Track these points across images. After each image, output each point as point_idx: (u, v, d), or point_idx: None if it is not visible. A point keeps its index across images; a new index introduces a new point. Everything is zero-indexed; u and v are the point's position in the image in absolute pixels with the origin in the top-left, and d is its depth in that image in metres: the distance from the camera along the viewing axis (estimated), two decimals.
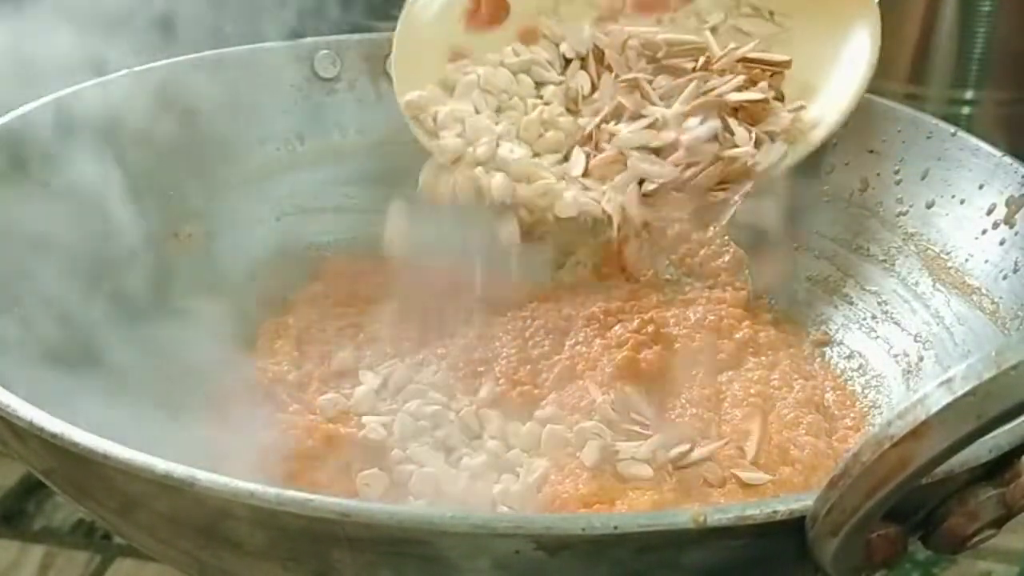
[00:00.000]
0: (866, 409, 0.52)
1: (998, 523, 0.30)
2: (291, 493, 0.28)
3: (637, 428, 0.47)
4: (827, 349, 0.56)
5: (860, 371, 0.54)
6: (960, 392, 0.25)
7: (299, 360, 0.53)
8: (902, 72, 0.66)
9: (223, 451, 0.47)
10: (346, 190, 0.64)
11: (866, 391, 0.53)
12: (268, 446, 0.46)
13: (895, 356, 0.53)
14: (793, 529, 0.29)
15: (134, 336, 0.52)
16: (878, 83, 0.65)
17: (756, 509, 0.29)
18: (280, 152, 0.63)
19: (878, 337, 0.54)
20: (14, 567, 0.52)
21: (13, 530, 0.54)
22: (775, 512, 0.29)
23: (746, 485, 0.45)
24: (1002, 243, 0.49)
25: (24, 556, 0.52)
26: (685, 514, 0.29)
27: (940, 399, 0.25)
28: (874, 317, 0.55)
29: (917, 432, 0.26)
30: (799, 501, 0.29)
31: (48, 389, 0.43)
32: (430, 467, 0.45)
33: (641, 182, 0.55)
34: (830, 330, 0.57)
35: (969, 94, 0.66)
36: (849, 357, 0.55)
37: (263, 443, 0.47)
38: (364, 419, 0.49)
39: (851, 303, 0.56)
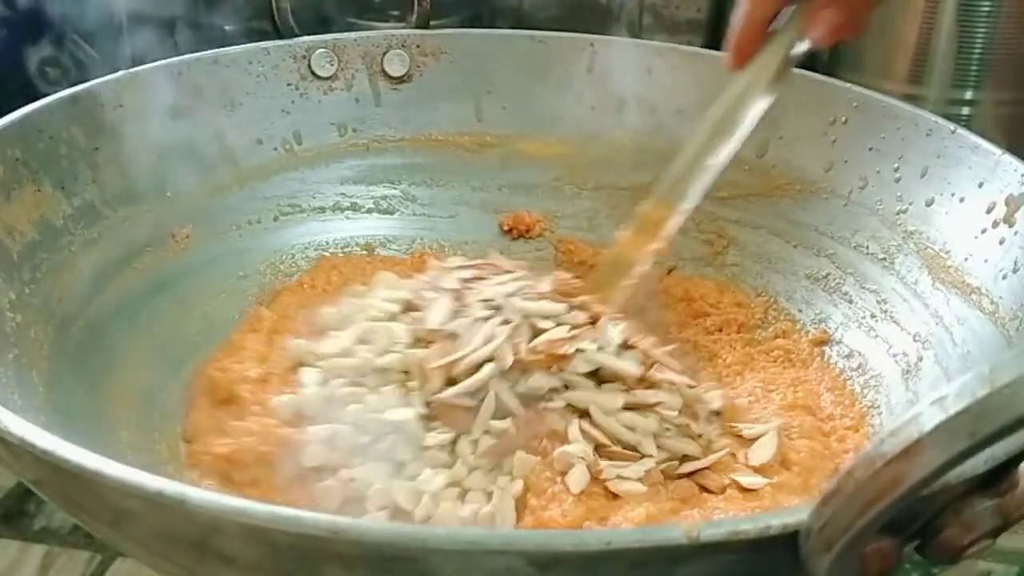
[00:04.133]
0: (865, 409, 0.51)
1: (994, 533, 0.30)
2: (281, 510, 0.28)
3: (619, 449, 0.45)
4: (826, 348, 0.56)
5: (859, 370, 0.53)
6: (953, 411, 0.25)
7: (266, 354, 0.51)
8: (902, 72, 0.66)
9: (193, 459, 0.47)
10: (344, 190, 0.64)
11: (865, 391, 0.52)
12: (229, 455, 0.45)
13: (894, 356, 0.52)
14: (787, 543, 0.29)
15: (132, 336, 0.52)
16: (878, 83, 0.65)
17: (750, 524, 0.29)
18: (278, 152, 0.63)
19: (877, 336, 0.54)
20: (14, 567, 0.52)
21: (13, 530, 0.54)
22: (768, 527, 0.29)
23: (746, 490, 0.45)
24: (1002, 242, 0.49)
25: (24, 556, 0.52)
26: (678, 530, 0.28)
27: (933, 417, 0.25)
28: (873, 316, 0.55)
29: (910, 451, 0.25)
30: (793, 516, 0.29)
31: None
32: (380, 483, 0.43)
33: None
34: (829, 328, 0.56)
35: (969, 94, 0.66)
36: (848, 356, 0.55)
37: (224, 453, 0.46)
38: (307, 433, 0.45)
39: (850, 301, 0.56)
